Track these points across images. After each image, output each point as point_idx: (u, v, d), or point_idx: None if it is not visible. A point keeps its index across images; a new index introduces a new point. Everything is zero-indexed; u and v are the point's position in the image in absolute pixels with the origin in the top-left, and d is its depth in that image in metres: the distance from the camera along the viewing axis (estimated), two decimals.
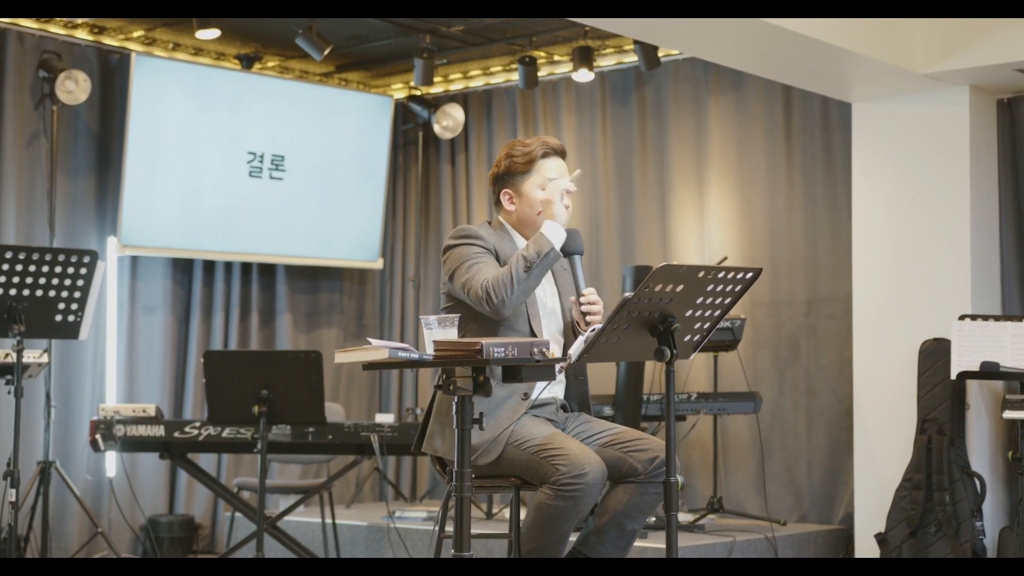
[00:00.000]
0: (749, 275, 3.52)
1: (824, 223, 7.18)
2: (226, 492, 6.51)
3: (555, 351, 3.70)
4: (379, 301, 8.81)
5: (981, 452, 6.34)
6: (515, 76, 8.06)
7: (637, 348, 3.46)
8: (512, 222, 3.90)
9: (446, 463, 3.77)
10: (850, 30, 5.81)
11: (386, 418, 6.60)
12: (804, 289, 7.23)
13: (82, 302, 5.01)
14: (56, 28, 7.34)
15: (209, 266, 8.03)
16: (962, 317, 6.03)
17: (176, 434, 6.14)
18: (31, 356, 5.44)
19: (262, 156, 7.88)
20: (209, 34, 7.24)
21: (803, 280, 7.24)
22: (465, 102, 8.52)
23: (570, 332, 3.85)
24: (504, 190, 3.90)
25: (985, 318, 5.94)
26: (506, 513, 6.67)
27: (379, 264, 8.47)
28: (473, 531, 3.41)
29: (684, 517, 6.51)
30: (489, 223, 3.92)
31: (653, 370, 6.83)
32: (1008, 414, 5.65)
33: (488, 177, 3.97)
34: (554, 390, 3.81)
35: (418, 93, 8.62)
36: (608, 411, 6.44)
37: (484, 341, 3.23)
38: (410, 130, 8.72)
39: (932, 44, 6.18)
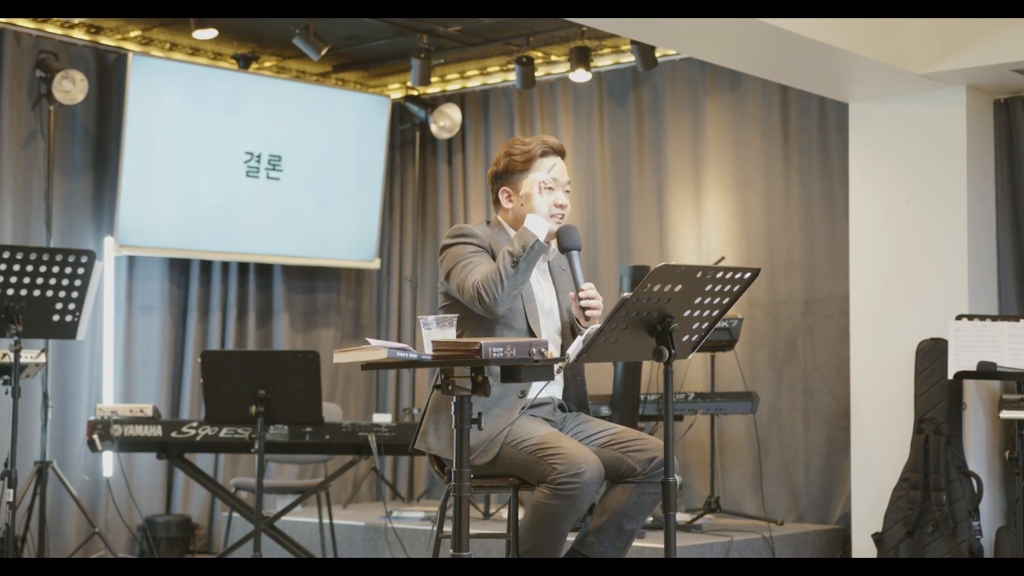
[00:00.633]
0: (747, 275, 3.52)
1: (821, 223, 7.19)
2: (223, 492, 6.51)
3: (553, 351, 3.70)
4: (376, 301, 8.81)
5: (978, 452, 6.35)
6: (512, 76, 8.06)
7: (635, 348, 3.46)
8: (509, 220, 3.90)
9: (444, 463, 3.77)
10: (847, 30, 5.81)
11: (383, 418, 6.59)
12: (801, 289, 7.24)
13: (80, 302, 5.01)
14: (53, 28, 7.33)
15: (206, 266, 8.03)
16: (959, 317, 6.03)
17: (173, 434, 6.14)
18: (28, 356, 5.43)
19: (259, 156, 7.88)
20: (206, 34, 7.23)
21: (800, 280, 7.24)
22: (462, 102, 8.53)
23: (568, 332, 3.84)
24: (503, 188, 3.90)
25: (982, 318, 5.94)
26: (504, 513, 6.67)
27: (376, 264, 8.47)
28: (471, 531, 3.41)
29: (681, 517, 6.52)
30: (487, 222, 3.92)
31: (650, 370, 6.83)
32: (1005, 414, 5.65)
33: (487, 175, 3.97)
34: (552, 390, 3.81)
35: (415, 93, 8.63)
36: (605, 411, 6.44)
37: (483, 341, 3.23)
38: (407, 130, 8.72)
39: (929, 44, 6.19)
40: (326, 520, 6.55)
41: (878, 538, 6.34)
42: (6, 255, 4.79)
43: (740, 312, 7.03)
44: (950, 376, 5.89)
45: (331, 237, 8.23)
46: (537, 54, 7.88)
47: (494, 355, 3.22)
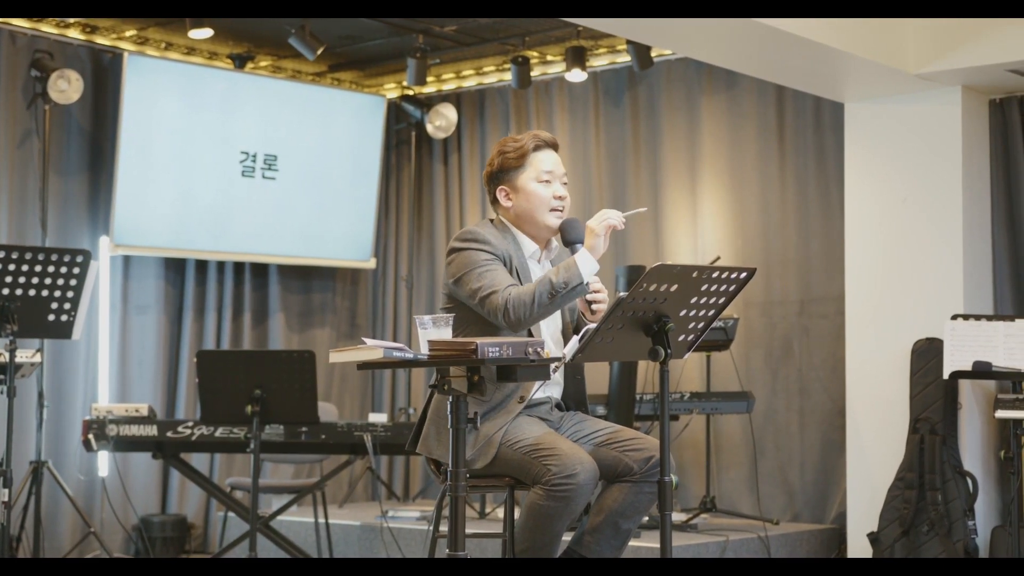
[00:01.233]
0: (743, 275, 3.52)
1: (817, 223, 7.19)
2: (219, 492, 6.51)
3: (553, 351, 3.70)
4: (372, 301, 8.81)
5: (973, 451, 6.35)
6: (508, 76, 8.06)
7: (631, 348, 3.46)
8: (511, 218, 3.88)
9: (441, 464, 3.77)
10: (843, 30, 5.82)
11: (379, 418, 6.59)
12: (797, 289, 7.24)
13: (75, 302, 5.00)
14: (48, 27, 7.32)
15: (202, 266, 8.02)
16: (954, 317, 6.04)
17: (169, 434, 6.14)
18: (24, 356, 5.42)
19: (255, 156, 7.88)
20: (202, 34, 7.23)
21: (796, 280, 7.25)
22: (458, 102, 8.52)
23: (570, 333, 3.84)
24: (500, 187, 3.88)
25: (977, 318, 5.95)
26: (499, 513, 6.67)
27: (372, 264, 8.47)
28: (467, 531, 3.41)
29: (677, 517, 6.52)
30: (491, 221, 3.89)
31: (646, 370, 6.83)
32: (1000, 413, 5.66)
33: (483, 177, 3.95)
34: (550, 390, 3.81)
35: (411, 93, 8.62)
36: (601, 411, 6.44)
37: (478, 341, 3.23)
38: (403, 130, 8.72)
39: (924, 44, 6.19)
40: (322, 520, 6.55)
41: (873, 538, 6.35)
42: (1, 255, 4.78)
43: (736, 312, 7.03)
44: (945, 376, 5.90)
45: (327, 237, 8.23)
46: (533, 54, 7.88)
47: (490, 355, 3.22)
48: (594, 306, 3.66)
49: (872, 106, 6.70)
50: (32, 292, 4.88)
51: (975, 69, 6.17)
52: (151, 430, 6.14)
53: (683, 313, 3.47)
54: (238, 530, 6.54)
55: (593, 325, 3.48)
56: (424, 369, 3.59)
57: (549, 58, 8.00)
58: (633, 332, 3.42)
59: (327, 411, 6.80)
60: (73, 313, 5.03)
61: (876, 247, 6.68)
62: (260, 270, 8.26)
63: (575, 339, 3.56)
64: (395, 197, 8.81)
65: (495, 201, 3.89)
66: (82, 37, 7.46)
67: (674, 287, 3.37)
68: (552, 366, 3.51)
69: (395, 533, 6.53)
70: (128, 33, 7.53)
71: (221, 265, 8.08)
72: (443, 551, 3.45)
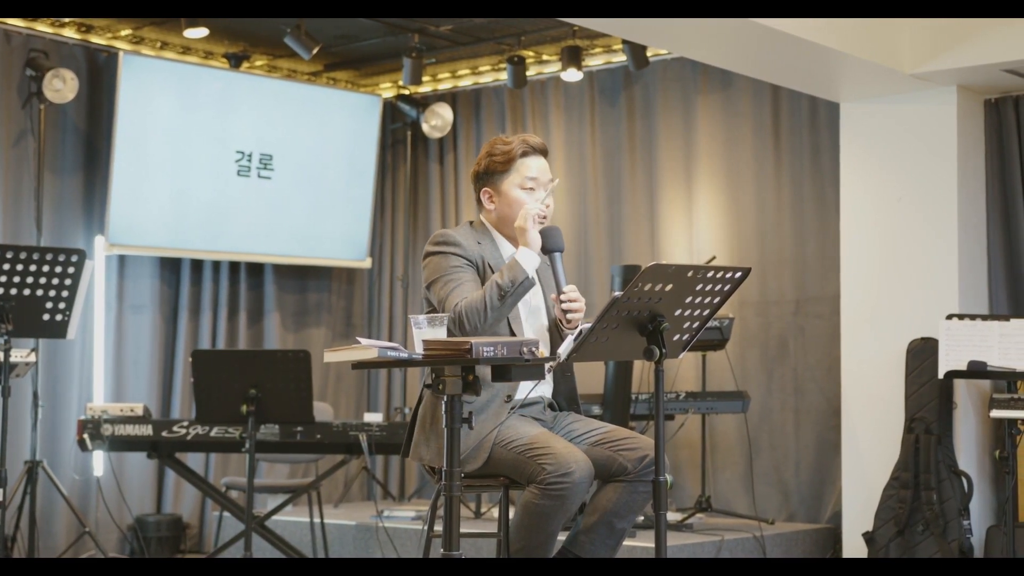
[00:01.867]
0: (738, 275, 3.52)
1: (812, 223, 7.20)
2: (214, 491, 6.50)
3: (543, 350, 3.69)
4: (367, 300, 8.80)
5: (968, 451, 6.36)
6: (504, 75, 8.06)
7: (626, 347, 3.46)
8: (492, 221, 3.88)
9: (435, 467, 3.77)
10: (838, 30, 5.82)
11: (374, 417, 6.58)
12: (792, 288, 7.25)
13: (70, 301, 5.00)
14: (43, 26, 7.31)
15: (197, 265, 8.01)
16: (950, 316, 6.04)
17: (164, 433, 6.13)
18: (18, 355, 5.42)
19: (250, 155, 7.87)
20: (197, 33, 7.22)
21: (791, 279, 7.25)
22: (454, 101, 8.52)
23: (555, 330, 3.83)
24: (484, 189, 3.87)
25: (972, 317, 5.95)
26: (494, 512, 6.67)
27: (367, 263, 8.47)
28: (462, 530, 3.41)
29: (672, 516, 6.52)
30: (471, 223, 3.90)
31: (642, 369, 6.83)
32: (995, 413, 5.66)
33: (469, 176, 3.94)
34: (541, 389, 3.81)
35: (406, 92, 8.62)
36: (597, 410, 6.43)
37: (473, 340, 3.22)
38: (398, 129, 8.72)
39: (920, 44, 6.19)
40: (317, 519, 6.54)
41: (869, 537, 6.35)
42: None
43: (731, 311, 7.04)
44: (940, 375, 5.90)
45: (322, 236, 8.22)
46: (528, 53, 7.88)
47: (485, 354, 3.22)
48: (569, 315, 3.66)
49: (868, 106, 6.70)
50: (27, 291, 4.87)
51: (970, 69, 6.17)
52: (146, 430, 6.14)
53: (678, 313, 3.47)
54: (233, 530, 6.54)
55: (586, 325, 3.47)
56: (420, 369, 3.58)
57: (545, 58, 7.99)
58: (628, 332, 3.41)
59: (322, 411, 6.80)
60: (68, 312, 5.02)
61: (872, 247, 6.68)
62: (256, 270, 8.25)
63: (570, 338, 3.56)
64: (391, 197, 8.80)
65: (479, 202, 3.89)
66: (77, 36, 7.45)
67: (669, 287, 3.37)
68: (547, 366, 3.51)
69: (390, 533, 6.53)
70: (123, 32, 7.53)
71: (217, 264, 8.08)
72: (438, 551, 3.44)
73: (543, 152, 3.88)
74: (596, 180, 7.91)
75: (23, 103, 7.18)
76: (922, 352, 6.33)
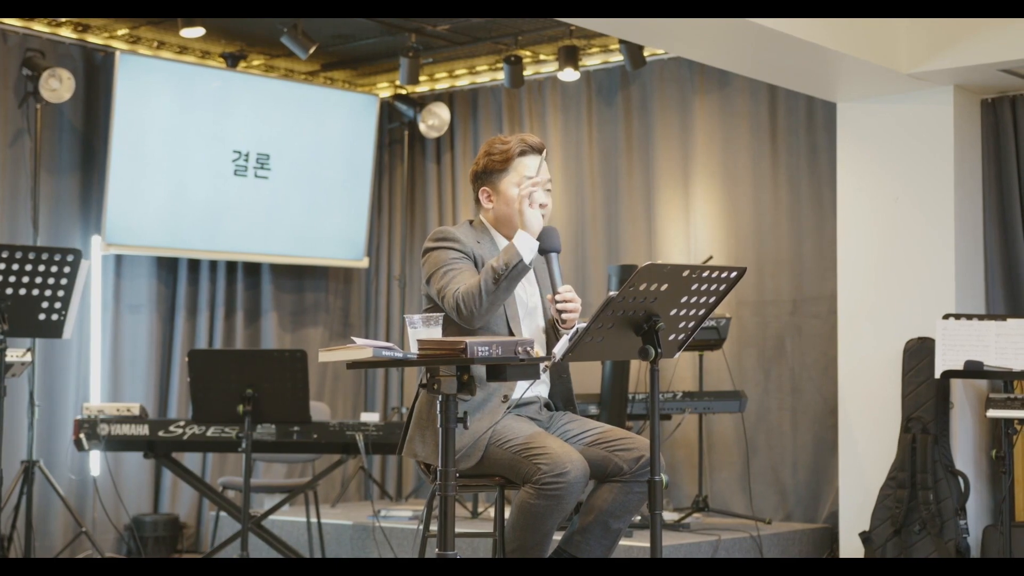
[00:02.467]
0: (733, 274, 3.51)
1: (809, 222, 7.20)
2: (210, 491, 6.50)
3: (539, 350, 3.69)
4: (365, 300, 8.80)
5: (965, 451, 6.36)
6: (501, 75, 8.06)
7: (622, 347, 3.46)
8: (491, 220, 3.89)
9: (431, 464, 3.76)
10: (835, 30, 5.82)
11: (371, 417, 6.58)
12: (789, 288, 7.24)
13: (66, 301, 5.00)
14: (40, 26, 7.31)
15: (194, 265, 8.01)
16: (946, 316, 6.04)
17: (160, 433, 6.13)
18: (14, 355, 5.42)
19: (247, 155, 7.87)
20: (194, 32, 7.22)
21: (788, 279, 7.25)
22: (451, 101, 8.52)
23: (552, 330, 3.83)
24: (482, 188, 3.88)
25: (969, 317, 5.95)
26: (491, 512, 6.67)
27: (365, 263, 8.46)
28: (458, 530, 3.41)
29: (669, 516, 6.52)
30: (471, 222, 3.90)
31: (639, 369, 6.83)
32: (992, 413, 5.66)
33: (468, 175, 3.95)
34: (537, 389, 3.80)
35: (404, 92, 8.62)
36: (594, 410, 6.44)
37: (468, 340, 3.22)
38: (396, 129, 8.71)
39: (917, 44, 6.20)
40: (314, 519, 6.54)
41: (865, 537, 6.35)
42: None
43: (728, 311, 7.04)
44: (937, 375, 5.89)
45: (319, 236, 8.22)
46: (525, 53, 7.88)
47: (479, 354, 3.21)
48: (564, 315, 3.65)
49: (864, 106, 6.70)
50: (22, 291, 4.88)
51: (967, 69, 6.17)
52: (142, 429, 6.13)
53: (673, 312, 3.47)
54: (230, 529, 6.54)
55: (581, 325, 3.47)
56: (417, 368, 3.57)
57: (542, 57, 7.99)
58: (623, 331, 3.41)
59: (319, 410, 6.80)
60: (64, 312, 5.02)
61: (868, 246, 6.68)
62: (253, 269, 8.25)
63: (565, 338, 3.56)
64: (388, 196, 8.80)
65: (477, 201, 3.89)
66: (74, 36, 7.44)
67: (664, 286, 3.37)
68: (542, 365, 3.51)
69: (387, 533, 6.52)
70: (120, 32, 7.52)
71: (214, 264, 8.08)
72: (433, 551, 3.44)
73: (540, 151, 3.89)
74: (593, 180, 7.91)
75: (19, 103, 7.18)
76: (919, 352, 6.33)
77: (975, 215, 6.60)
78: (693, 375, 7.17)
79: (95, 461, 7.28)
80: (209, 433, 6.09)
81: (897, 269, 6.57)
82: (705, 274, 3.45)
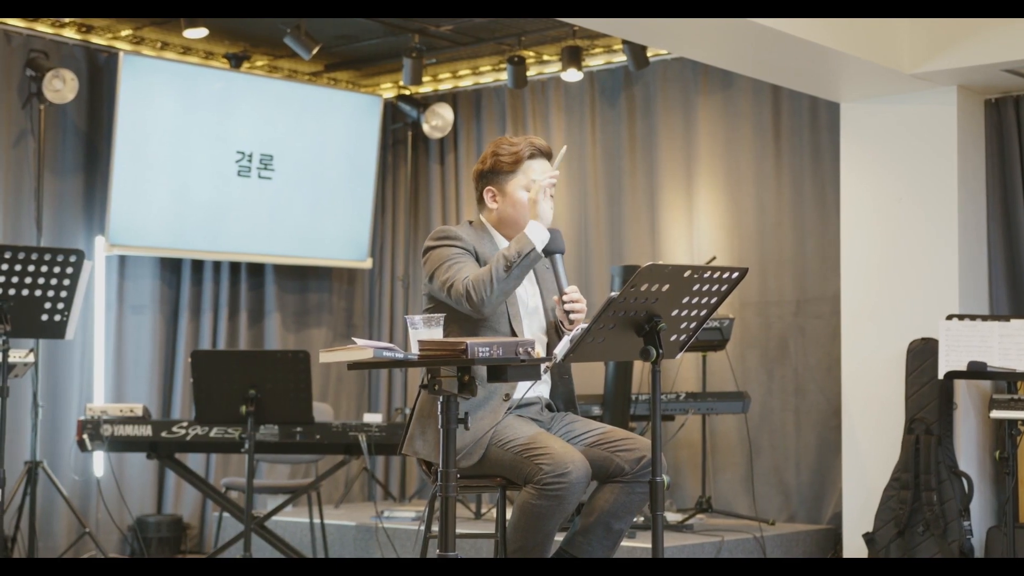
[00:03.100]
0: (735, 275, 3.51)
1: (813, 223, 7.19)
2: (213, 492, 6.50)
3: (539, 350, 3.68)
4: (368, 301, 8.80)
5: (969, 452, 6.35)
6: (504, 76, 8.06)
7: (623, 348, 3.45)
8: (493, 221, 3.89)
9: (432, 464, 3.76)
10: (838, 30, 5.81)
11: (374, 418, 6.58)
12: (792, 289, 7.24)
13: (68, 301, 5.00)
14: (44, 27, 7.32)
15: (197, 265, 8.01)
16: (950, 317, 6.03)
17: (163, 434, 6.13)
18: (17, 356, 5.42)
19: (251, 155, 7.87)
20: (197, 33, 7.22)
21: (791, 280, 7.24)
22: (454, 101, 8.52)
23: (553, 331, 3.83)
24: (488, 187, 3.88)
25: (973, 318, 5.94)
26: (495, 513, 6.66)
27: (368, 264, 8.46)
28: (459, 531, 3.41)
29: (673, 517, 6.52)
30: (471, 223, 3.90)
31: (642, 370, 6.82)
32: (996, 414, 5.65)
33: (472, 173, 3.95)
34: (539, 389, 3.80)
35: (407, 92, 8.62)
36: (597, 411, 6.43)
37: (469, 341, 3.22)
38: (399, 129, 8.71)
39: (920, 44, 6.19)
40: (317, 520, 6.54)
41: (869, 538, 6.34)
42: None
43: (731, 312, 7.03)
44: (940, 376, 5.88)
45: (323, 237, 8.22)
46: (529, 54, 7.88)
47: (480, 355, 3.21)
48: (572, 315, 3.65)
49: (868, 106, 6.70)
50: (25, 292, 4.87)
51: (971, 69, 6.16)
52: (145, 430, 6.14)
53: (675, 313, 3.46)
54: (233, 530, 6.54)
55: (582, 326, 3.47)
56: (420, 369, 3.57)
57: (545, 58, 7.99)
58: (625, 332, 3.41)
59: (322, 411, 6.80)
60: (66, 313, 5.02)
61: (872, 247, 6.67)
62: (256, 270, 8.25)
63: (566, 338, 3.55)
64: (391, 197, 8.80)
65: (480, 200, 3.89)
66: (77, 37, 7.45)
67: (666, 287, 3.37)
68: (543, 366, 3.51)
69: (390, 533, 6.52)
70: (124, 33, 7.53)
71: (217, 265, 8.08)
72: (435, 551, 3.44)
73: (548, 155, 3.90)
74: (596, 180, 7.90)
75: (23, 103, 7.18)
76: (922, 352, 6.32)
77: (979, 215, 6.59)
78: (696, 376, 7.17)
79: (99, 462, 7.28)
80: (212, 434, 6.09)
81: (901, 269, 6.56)
82: (706, 275, 3.45)
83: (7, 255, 4.81)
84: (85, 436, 6.10)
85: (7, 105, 7.14)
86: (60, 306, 4.99)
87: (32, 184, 7.20)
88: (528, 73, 7.89)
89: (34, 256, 4.87)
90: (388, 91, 8.70)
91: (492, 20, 7.26)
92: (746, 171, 7.41)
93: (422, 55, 7.65)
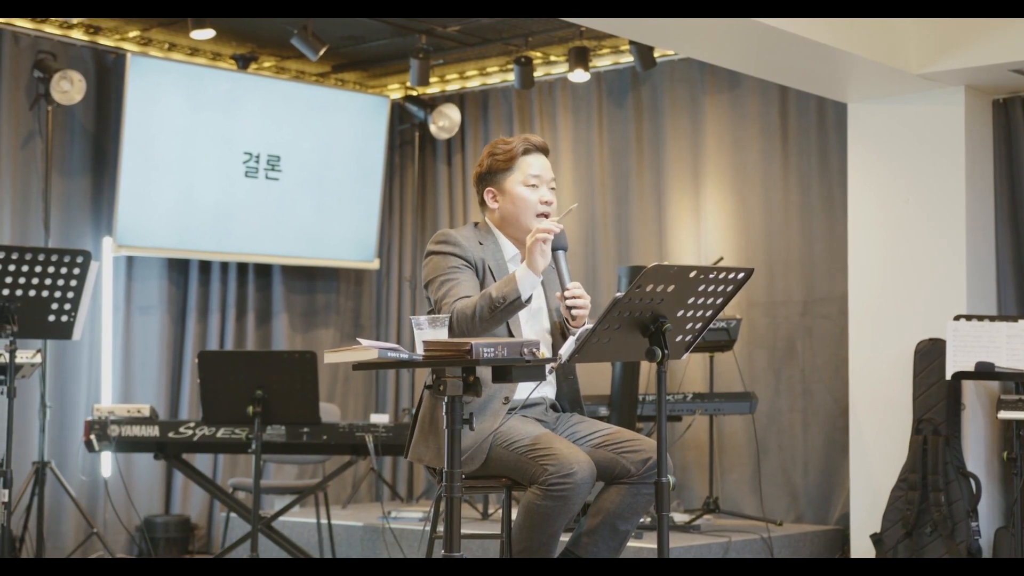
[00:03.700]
0: (740, 275, 3.50)
1: (820, 223, 7.18)
2: (220, 492, 6.51)
3: (544, 351, 3.68)
4: (375, 301, 8.81)
5: (977, 452, 6.34)
6: (511, 76, 8.06)
7: (628, 348, 3.45)
8: (496, 221, 3.89)
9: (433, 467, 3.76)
10: (845, 31, 5.80)
11: (381, 418, 6.59)
12: (800, 289, 7.23)
13: (75, 302, 5.01)
14: (51, 28, 7.33)
15: (205, 266, 8.02)
16: (957, 317, 6.01)
17: (171, 434, 6.14)
18: (24, 356, 5.43)
19: (258, 156, 7.88)
20: (204, 34, 7.22)
21: (799, 280, 7.24)
22: (461, 102, 8.52)
23: (557, 331, 3.83)
24: (487, 188, 3.88)
25: (980, 318, 5.93)
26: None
27: (375, 264, 8.47)
28: (465, 531, 3.40)
29: (680, 517, 6.51)
30: (475, 224, 3.91)
31: (649, 370, 6.82)
32: (1003, 414, 5.64)
33: (472, 178, 3.96)
34: (544, 390, 3.80)
35: (414, 93, 8.62)
36: (604, 411, 6.43)
37: (473, 341, 3.21)
38: (406, 130, 8.72)
39: (927, 44, 6.18)
40: (324, 521, 6.54)
41: (877, 539, 6.33)
42: (1, 255, 4.79)
43: (738, 312, 7.03)
44: (948, 376, 5.87)
45: (330, 237, 8.23)
46: (536, 54, 7.88)
47: (484, 355, 3.21)
48: (574, 312, 3.64)
49: (875, 106, 6.69)
50: (32, 293, 4.88)
51: (978, 69, 6.15)
52: (153, 431, 6.15)
53: (680, 314, 3.46)
54: (240, 531, 6.54)
55: (589, 326, 3.46)
56: (427, 370, 3.59)
57: (552, 58, 7.99)
58: (630, 332, 3.40)
59: (329, 412, 6.81)
60: (73, 314, 5.03)
61: (879, 247, 6.66)
62: (263, 271, 8.26)
63: (572, 339, 3.55)
64: (399, 198, 8.81)
65: (482, 203, 3.89)
66: (85, 38, 7.47)
67: (671, 287, 3.36)
68: (547, 367, 3.50)
69: (397, 534, 6.52)
70: (131, 34, 7.54)
71: (224, 266, 8.09)
72: (440, 552, 3.43)
73: (544, 151, 3.90)
74: (604, 181, 7.90)
75: (31, 104, 7.20)
76: (930, 353, 6.31)
77: (986, 216, 6.57)
78: (704, 376, 7.16)
79: (106, 462, 7.29)
80: (219, 434, 6.10)
81: (908, 270, 6.55)
82: (712, 275, 3.44)
83: (14, 256, 4.82)
84: (92, 437, 6.11)
85: (15, 106, 7.16)
86: (67, 307, 5.00)
87: (40, 185, 7.21)
88: (535, 74, 7.89)
89: (41, 257, 4.88)
90: (395, 92, 8.70)
91: (499, 21, 7.26)
92: (753, 171, 7.40)
93: (429, 56, 7.66)
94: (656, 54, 7.38)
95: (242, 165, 7.82)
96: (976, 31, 6.05)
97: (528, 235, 3.66)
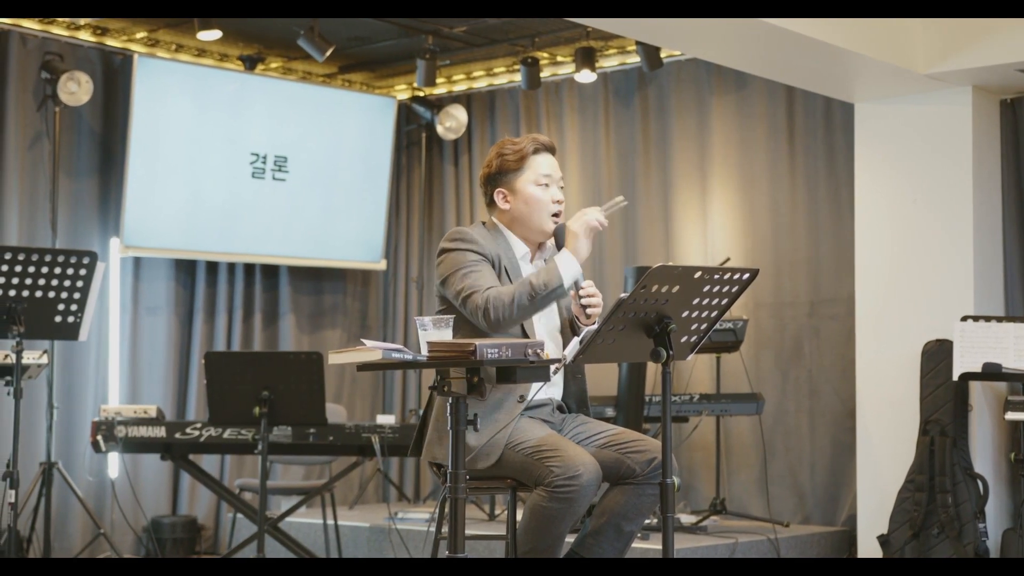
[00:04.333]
0: (746, 276, 3.50)
1: (827, 224, 7.17)
2: (227, 493, 6.51)
3: (552, 350, 3.68)
4: (382, 302, 8.81)
5: (984, 454, 6.32)
6: (518, 77, 8.05)
7: (633, 349, 3.44)
8: (506, 221, 3.89)
9: (443, 466, 3.76)
10: (852, 31, 5.79)
11: (387, 419, 6.59)
12: (807, 290, 7.22)
13: (82, 303, 5.01)
14: (59, 29, 7.34)
15: (212, 267, 8.03)
16: (964, 318, 6.01)
17: (177, 435, 6.14)
18: (30, 357, 5.44)
19: (265, 157, 7.88)
20: (210, 35, 7.23)
21: (806, 281, 7.23)
22: (468, 103, 8.52)
23: (568, 330, 3.83)
24: (498, 189, 3.88)
25: (987, 319, 5.92)
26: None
27: (382, 265, 8.47)
28: (469, 532, 3.40)
29: (687, 518, 6.51)
30: (483, 224, 3.90)
31: (655, 371, 6.77)
32: (1011, 415, 5.63)
33: (479, 179, 3.95)
34: (550, 391, 3.79)
35: (421, 94, 8.62)
36: (610, 412, 6.43)
37: (477, 342, 3.21)
38: (413, 131, 8.72)
39: (934, 44, 6.17)
40: (331, 521, 6.54)
41: (884, 540, 6.32)
42: (8, 256, 4.80)
43: (745, 313, 7.02)
44: (955, 377, 5.86)
45: (337, 238, 8.23)
46: (543, 55, 7.88)
47: (489, 356, 3.21)
48: (588, 310, 3.65)
49: (882, 106, 6.67)
50: (39, 293, 4.89)
51: (985, 69, 6.14)
52: (159, 431, 6.15)
53: (685, 314, 3.45)
54: (247, 531, 6.55)
55: (593, 326, 3.46)
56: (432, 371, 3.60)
57: (559, 59, 7.99)
58: (635, 333, 3.40)
59: (335, 412, 6.81)
60: (80, 314, 5.03)
61: (886, 248, 6.65)
62: (270, 271, 8.26)
63: (576, 340, 3.55)
64: (406, 198, 8.81)
65: (491, 203, 3.89)
66: (92, 39, 7.47)
67: (676, 288, 3.36)
68: (552, 367, 3.50)
69: (404, 535, 6.52)
70: (138, 35, 7.55)
71: (231, 266, 8.09)
72: (445, 553, 3.43)
73: (552, 150, 3.91)
74: (610, 181, 7.89)
75: (38, 106, 7.21)
76: (937, 354, 6.29)
77: (994, 216, 6.56)
78: (710, 377, 7.15)
79: (113, 463, 7.30)
80: (226, 435, 6.11)
81: (915, 271, 6.54)
82: (717, 276, 3.44)
83: (20, 257, 4.82)
84: (99, 437, 6.12)
85: (22, 107, 7.17)
86: (74, 307, 5.00)
87: (47, 186, 7.22)
88: (542, 74, 7.89)
89: (47, 258, 4.89)
90: (402, 92, 8.70)
91: (506, 21, 7.26)
92: (760, 172, 7.39)
93: (436, 56, 7.66)
94: (663, 54, 7.37)
95: (249, 166, 7.83)
96: (983, 31, 6.04)
97: (575, 222, 3.70)
